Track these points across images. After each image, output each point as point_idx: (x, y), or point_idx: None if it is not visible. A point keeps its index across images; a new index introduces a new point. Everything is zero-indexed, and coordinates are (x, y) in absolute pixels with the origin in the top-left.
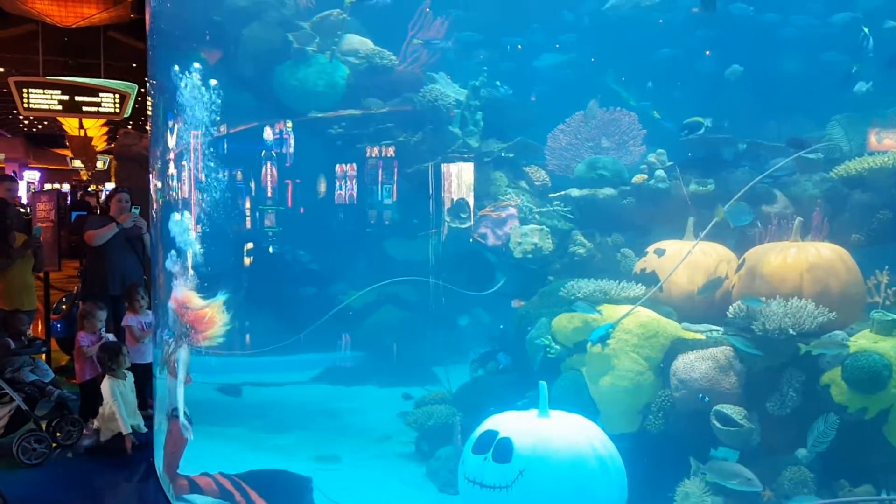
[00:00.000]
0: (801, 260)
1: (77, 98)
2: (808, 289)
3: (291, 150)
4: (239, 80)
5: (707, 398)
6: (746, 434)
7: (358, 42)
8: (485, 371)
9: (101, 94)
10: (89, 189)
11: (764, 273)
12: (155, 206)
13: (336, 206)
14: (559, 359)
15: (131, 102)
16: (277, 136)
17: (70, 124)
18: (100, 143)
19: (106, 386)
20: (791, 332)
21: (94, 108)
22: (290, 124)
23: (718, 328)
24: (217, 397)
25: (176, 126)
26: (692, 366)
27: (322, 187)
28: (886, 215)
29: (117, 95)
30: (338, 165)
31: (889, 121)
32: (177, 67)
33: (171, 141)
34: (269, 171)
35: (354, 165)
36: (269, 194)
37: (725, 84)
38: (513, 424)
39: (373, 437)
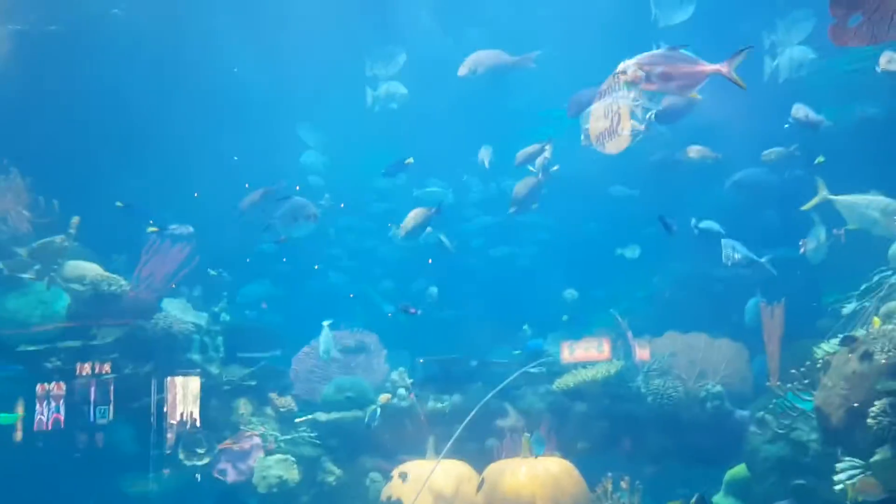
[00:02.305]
0: (532, 477)
1: None
2: None
3: None
4: None
5: None
6: None
7: (84, 268)
8: None
9: None
10: None
11: (501, 491)
12: None
13: (53, 443)
14: None
15: None
16: None
17: None
18: None
19: None
20: None
21: None
22: None
23: None
24: None
25: None
26: None
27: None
28: (602, 424)
29: None
30: (57, 396)
31: (592, 332)
32: None
33: None
34: None
35: (77, 398)
36: None
37: None
38: None
39: None
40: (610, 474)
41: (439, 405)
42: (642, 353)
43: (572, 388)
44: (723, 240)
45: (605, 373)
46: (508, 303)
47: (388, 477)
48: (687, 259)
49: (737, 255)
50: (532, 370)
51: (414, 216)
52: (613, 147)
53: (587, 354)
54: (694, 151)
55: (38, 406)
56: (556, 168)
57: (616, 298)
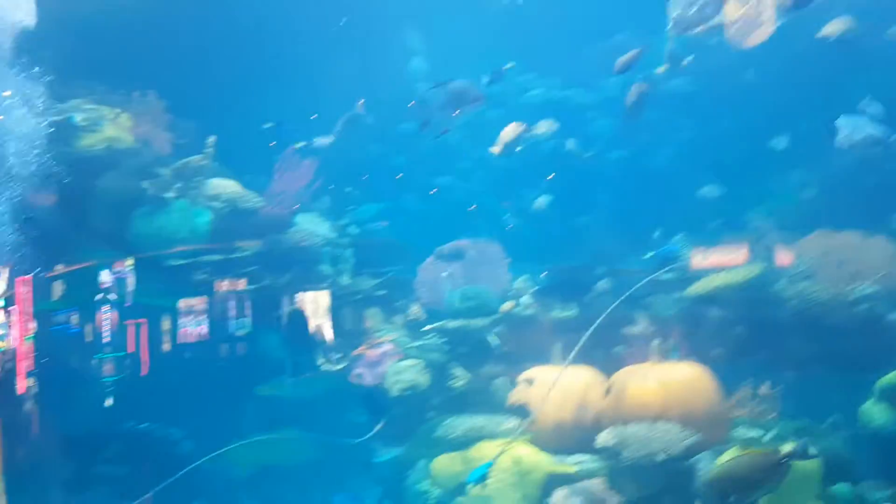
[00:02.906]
0: (663, 383)
1: None
2: (673, 410)
3: (147, 296)
4: (93, 229)
5: None
6: None
7: (222, 185)
8: None
9: None
10: None
11: (629, 397)
12: None
13: (200, 352)
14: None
15: None
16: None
17: None
18: None
19: None
20: (661, 456)
21: None
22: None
23: (589, 457)
24: None
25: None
26: (567, 501)
27: (183, 334)
28: (739, 330)
29: None
30: (202, 308)
31: (732, 235)
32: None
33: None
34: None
35: (220, 309)
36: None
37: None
38: None
39: None
40: (747, 381)
41: (565, 313)
42: (787, 254)
43: (707, 294)
44: (839, 119)
45: (744, 276)
46: (639, 207)
47: (514, 382)
48: (838, 151)
49: (858, 136)
50: (663, 276)
51: (506, 133)
52: (756, 37)
53: (725, 258)
54: (833, 27)
55: (186, 318)
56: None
57: (759, 196)
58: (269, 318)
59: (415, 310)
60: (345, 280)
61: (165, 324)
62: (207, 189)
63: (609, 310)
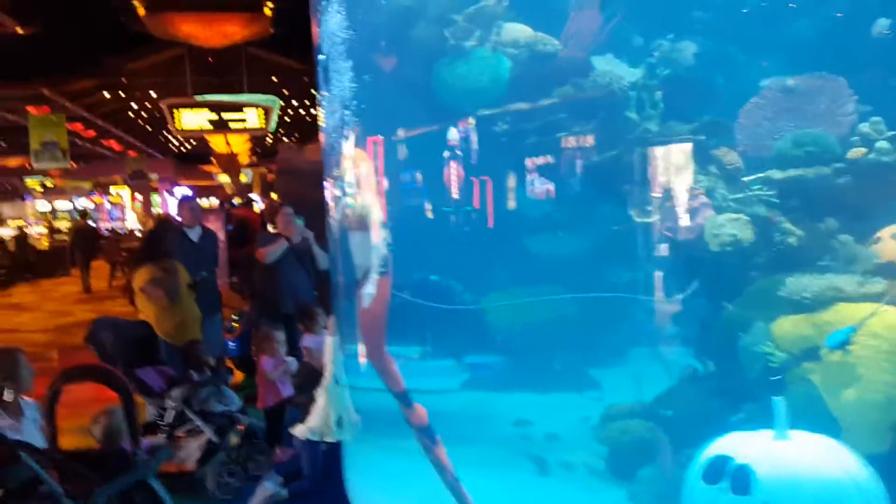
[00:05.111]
0: None
1: (224, 115)
2: None
3: (459, 152)
4: (408, 83)
5: None
6: None
7: (517, 30)
8: (679, 380)
9: (246, 110)
10: (234, 202)
11: None
12: (334, 216)
13: (512, 203)
14: (783, 368)
15: (275, 115)
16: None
17: (216, 141)
18: (244, 157)
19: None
20: None
21: (240, 125)
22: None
23: None
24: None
25: (352, 134)
26: None
27: (493, 187)
28: None
29: (261, 109)
30: (508, 163)
31: None
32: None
33: (348, 149)
34: (441, 173)
35: (525, 161)
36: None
37: None
38: (748, 449)
39: (554, 451)
40: None
41: None
42: None
43: None
44: None
45: None
46: None
47: (862, 239)
48: None
49: None
50: None
51: None
52: None
53: None
54: None
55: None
56: None
57: None
58: (584, 165)
59: (733, 157)
60: (653, 126)
61: (508, 181)
62: (503, 35)
63: None
